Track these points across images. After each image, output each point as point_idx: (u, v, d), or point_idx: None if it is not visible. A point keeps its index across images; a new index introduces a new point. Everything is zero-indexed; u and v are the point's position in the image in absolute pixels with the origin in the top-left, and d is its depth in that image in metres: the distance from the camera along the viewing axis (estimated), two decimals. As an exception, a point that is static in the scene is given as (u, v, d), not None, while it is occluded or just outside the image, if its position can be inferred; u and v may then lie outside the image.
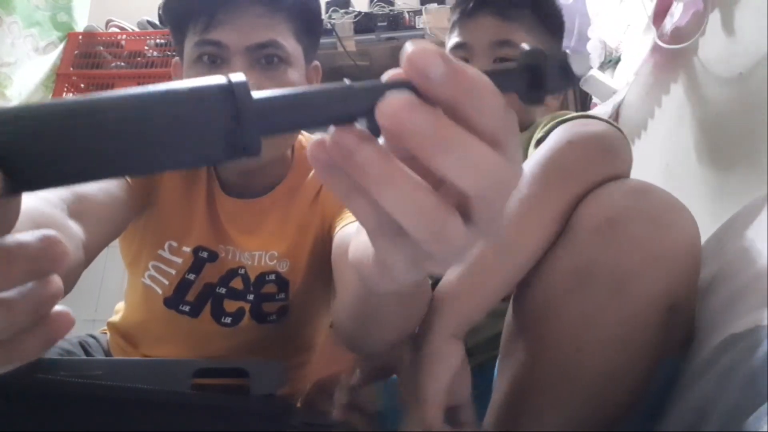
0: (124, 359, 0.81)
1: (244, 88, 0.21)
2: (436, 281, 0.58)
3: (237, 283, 0.78)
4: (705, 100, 0.97)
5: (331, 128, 0.22)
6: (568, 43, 1.67)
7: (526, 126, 0.82)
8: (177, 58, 0.78)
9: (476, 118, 0.22)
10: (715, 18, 0.93)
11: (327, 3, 2.18)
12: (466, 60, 0.85)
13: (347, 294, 0.52)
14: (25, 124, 0.19)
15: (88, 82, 2.20)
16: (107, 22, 2.32)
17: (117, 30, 2.29)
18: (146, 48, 2.19)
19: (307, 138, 0.87)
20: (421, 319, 0.55)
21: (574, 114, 0.66)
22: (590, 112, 1.23)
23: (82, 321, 1.67)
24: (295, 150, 0.84)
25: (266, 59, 0.70)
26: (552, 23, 0.92)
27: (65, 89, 2.14)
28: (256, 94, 0.21)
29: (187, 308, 0.78)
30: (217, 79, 0.21)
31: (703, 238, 0.60)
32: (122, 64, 2.18)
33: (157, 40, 2.20)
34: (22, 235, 0.21)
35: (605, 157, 0.56)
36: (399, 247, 0.24)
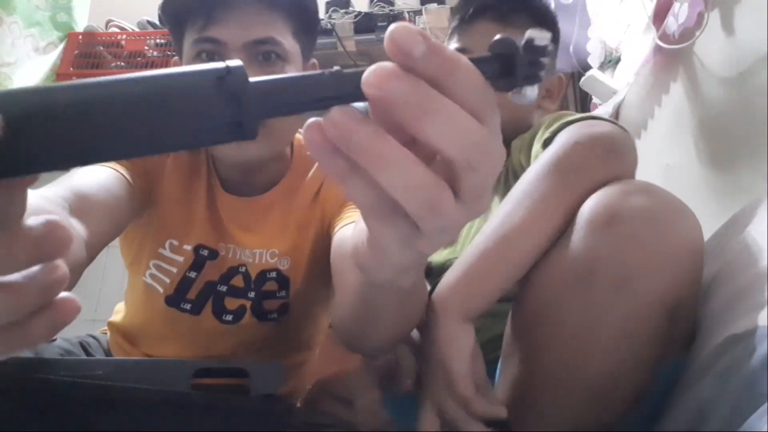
0: (124, 359, 0.81)
1: (240, 71, 0.22)
2: (434, 286, 0.58)
3: (238, 281, 0.79)
4: (705, 100, 0.97)
5: (329, 111, 0.23)
6: (569, 44, 1.67)
7: (524, 129, 0.83)
8: (176, 57, 0.79)
9: (458, 92, 0.23)
10: (715, 18, 0.93)
11: (327, 3, 2.18)
12: None
13: (346, 294, 0.52)
14: (39, 104, 0.20)
15: (88, 82, 2.20)
16: (107, 22, 2.32)
17: (117, 30, 2.29)
18: (146, 48, 2.19)
19: None
20: (419, 321, 0.56)
21: (581, 115, 0.67)
22: (593, 113, 1.23)
23: (82, 321, 1.66)
24: (295, 149, 0.85)
25: (264, 56, 0.71)
26: (548, 26, 0.94)
27: (65, 89, 2.14)
28: (253, 79, 0.22)
29: (188, 306, 0.78)
30: (215, 65, 0.22)
31: (704, 239, 0.60)
32: (122, 64, 2.18)
33: (157, 40, 2.20)
34: (26, 220, 0.21)
35: (611, 158, 0.57)
36: (392, 227, 0.25)
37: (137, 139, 0.21)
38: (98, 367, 0.51)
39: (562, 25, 1.69)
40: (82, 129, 0.20)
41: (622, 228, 0.49)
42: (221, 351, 0.80)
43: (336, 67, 0.24)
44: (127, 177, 0.71)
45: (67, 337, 0.85)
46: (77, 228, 0.53)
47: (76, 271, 0.52)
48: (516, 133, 0.82)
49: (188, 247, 0.78)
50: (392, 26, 0.22)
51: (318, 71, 0.23)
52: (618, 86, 1.40)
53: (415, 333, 0.61)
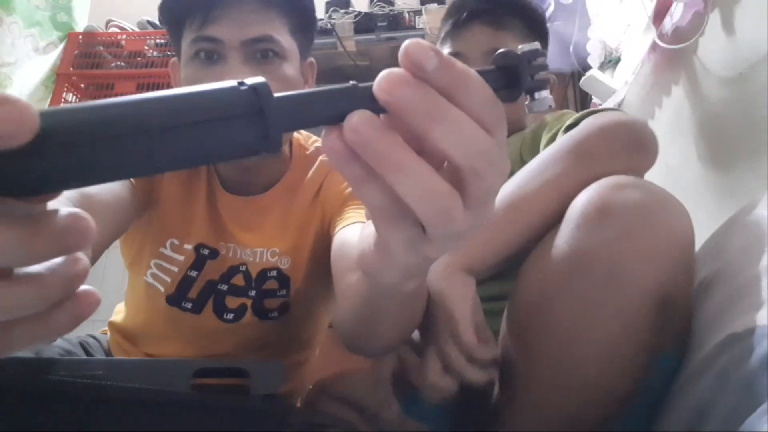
0: (124, 359, 0.82)
1: (265, 87, 0.23)
2: None
3: (238, 280, 0.79)
4: (705, 100, 0.98)
5: (347, 119, 0.24)
6: (569, 44, 1.67)
7: (516, 130, 0.86)
8: (175, 58, 0.79)
9: (468, 104, 0.24)
10: (715, 18, 0.93)
11: (327, 3, 2.18)
12: None
13: (347, 295, 0.52)
14: (75, 127, 0.20)
15: (88, 82, 2.20)
16: (107, 22, 2.32)
17: (117, 30, 2.30)
18: (146, 48, 2.20)
19: (304, 137, 0.88)
20: (419, 322, 0.56)
21: (607, 107, 0.69)
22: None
23: (82, 321, 1.66)
24: (294, 149, 0.85)
25: (261, 54, 0.71)
26: (539, 30, 0.95)
27: (65, 89, 2.14)
28: (277, 94, 0.24)
29: (189, 305, 0.78)
30: (240, 81, 0.23)
31: (703, 238, 0.60)
32: (122, 64, 2.18)
33: (157, 40, 2.21)
34: (49, 210, 0.22)
35: (632, 149, 0.59)
36: (401, 231, 0.26)
37: (167, 155, 0.22)
38: (98, 367, 0.51)
39: (563, 25, 1.69)
40: (114, 147, 0.21)
41: (614, 222, 0.49)
42: (222, 350, 0.80)
43: (352, 82, 0.25)
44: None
45: (67, 337, 0.85)
46: None
47: None
48: (509, 133, 0.84)
49: (189, 247, 0.78)
50: (406, 42, 0.24)
51: (336, 86, 0.25)
52: (618, 86, 1.40)
53: (415, 333, 0.61)
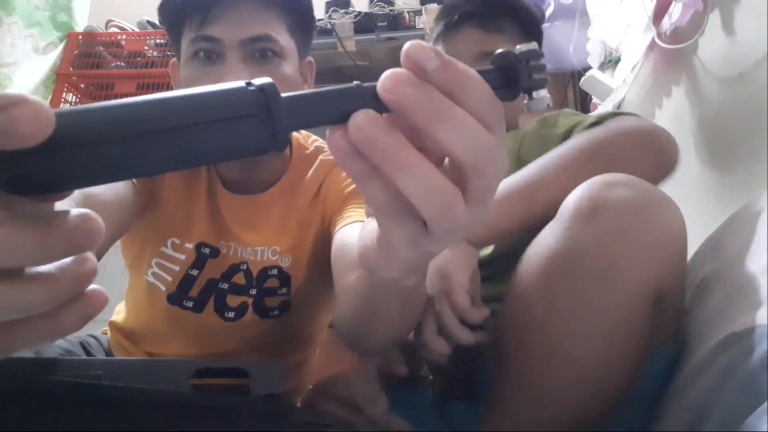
0: (125, 359, 0.82)
1: (273, 88, 0.24)
2: None
3: (239, 279, 0.79)
4: (705, 100, 0.98)
5: (351, 118, 0.25)
6: (569, 44, 1.67)
7: (510, 129, 0.86)
8: (174, 59, 0.79)
9: (468, 102, 0.25)
10: (715, 18, 0.93)
11: (327, 3, 2.18)
12: None
13: (348, 293, 0.52)
14: (89, 126, 0.21)
15: (88, 82, 2.20)
16: (107, 22, 2.32)
17: (117, 30, 2.30)
18: (146, 48, 2.20)
19: (303, 136, 0.88)
20: (418, 320, 0.56)
21: (632, 113, 0.70)
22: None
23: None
24: (294, 148, 0.85)
25: (260, 53, 0.71)
26: (532, 31, 0.95)
27: (65, 89, 2.14)
28: (284, 94, 0.24)
29: (190, 304, 0.79)
30: (247, 82, 0.24)
31: (703, 238, 0.60)
32: (122, 64, 2.18)
33: (157, 40, 2.21)
34: (59, 210, 0.22)
35: (655, 156, 0.61)
36: (403, 226, 0.27)
37: (178, 154, 0.22)
38: (98, 367, 0.51)
39: (563, 25, 1.69)
40: (126, 147, 0.21)
41: (606, 219, 0.50)
42: (223, 348, 0.80)
43: (356, 82, 0.26)
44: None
45: (68, 336, 0.85)
46: None
47: None
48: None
49: (190, 246, 0.78)
50: (407, 44, 0.24)
51: (340, 86, 0.25)
52: (618, 86, 1.40)
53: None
